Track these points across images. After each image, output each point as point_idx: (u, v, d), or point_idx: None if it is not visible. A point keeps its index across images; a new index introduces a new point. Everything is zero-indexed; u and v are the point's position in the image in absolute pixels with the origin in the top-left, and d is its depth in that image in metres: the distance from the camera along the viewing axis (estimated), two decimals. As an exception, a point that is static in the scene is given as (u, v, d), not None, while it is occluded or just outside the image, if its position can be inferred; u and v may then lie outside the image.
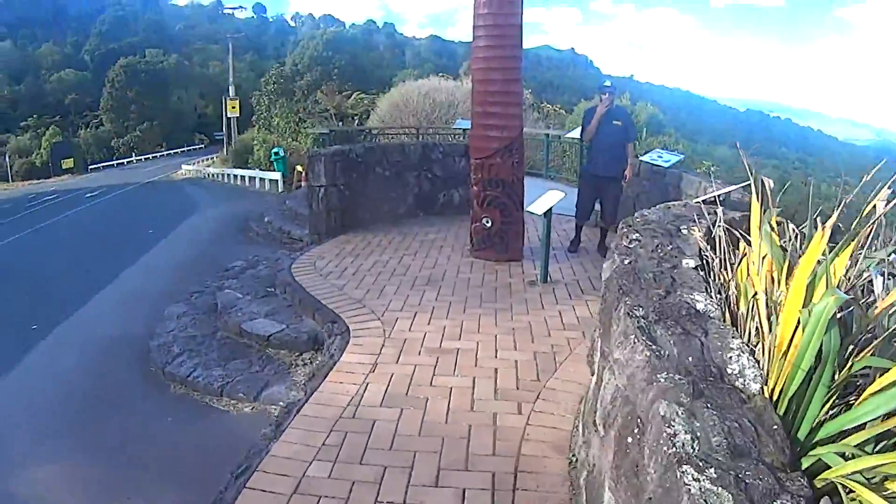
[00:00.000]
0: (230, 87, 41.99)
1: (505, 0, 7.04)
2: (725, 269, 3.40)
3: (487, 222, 7.57)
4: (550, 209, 6.65)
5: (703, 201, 5.31)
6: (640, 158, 8.89)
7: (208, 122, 75.89)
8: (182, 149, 69.36)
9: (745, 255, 3.41)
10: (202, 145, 71.24)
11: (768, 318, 2.47)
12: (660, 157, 8.72)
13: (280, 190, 23.93)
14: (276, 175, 24.68)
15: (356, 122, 24.06)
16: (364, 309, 6.21)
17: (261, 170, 27.51)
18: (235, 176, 30.58)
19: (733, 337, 2.50)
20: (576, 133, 14.61)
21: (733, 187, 5.04)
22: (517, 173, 7.51)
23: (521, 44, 7.34)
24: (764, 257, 2.77)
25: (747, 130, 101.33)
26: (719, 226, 3.34)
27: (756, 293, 2.64)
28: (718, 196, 5.34)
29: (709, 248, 3.61)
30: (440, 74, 26.80)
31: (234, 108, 39.72)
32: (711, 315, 2.65)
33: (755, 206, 3.39)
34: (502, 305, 6.22)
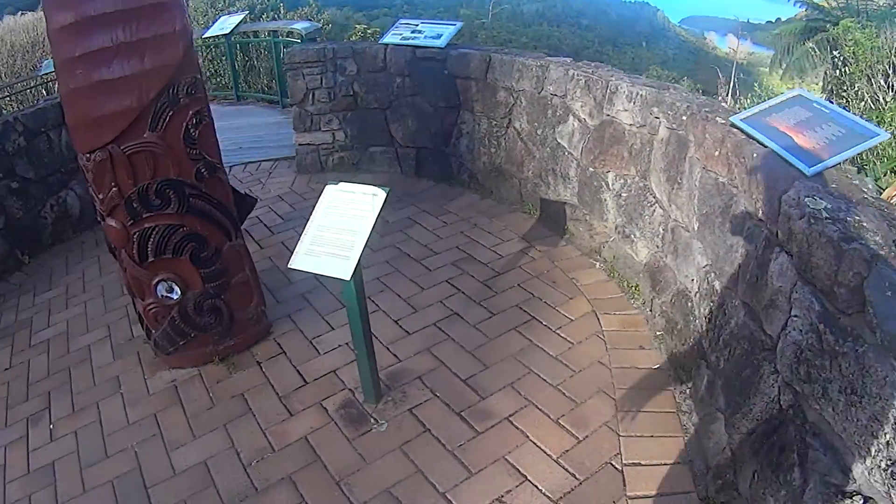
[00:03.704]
0: None
1: None
2: None
3: (171, 291, 3.03)
4: (359, 262, 2.38)
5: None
6: (382, 41, 4.89)
7: None
8: None
9: None
10: None
11: None
12: (417, 33, 4.83)
13: None
14: None
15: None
16: None
17: None
18: None
19: None
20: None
21: None
22: (208, 151, 2.81)
23: None
24: None
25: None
26: None
27: None
28: None
29: None
30: (19, 12, 17.55)
31: None
32: None
33: None
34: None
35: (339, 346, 3.18)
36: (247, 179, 5.30)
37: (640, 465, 2.45)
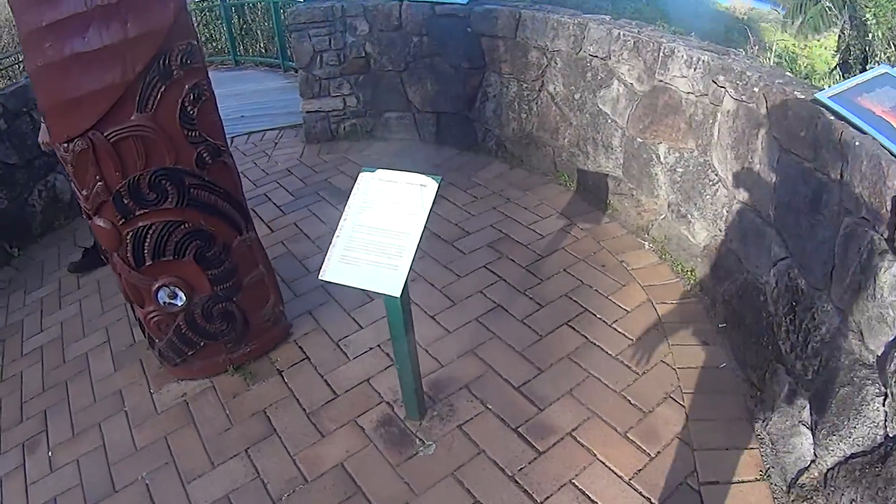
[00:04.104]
0: None
1: None
2: None
3: (174, 297, 2.54)
4: (406, 281, 1.87)
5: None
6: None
7: None
8: None
9: None
10: None
11: None
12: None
13: None
14: None
15: None
16: None
17: None
18: None
19: None
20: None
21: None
22: (210, 132, 2.27)
23: None
24: None
25: None
26: None
27: None
28: None
29: None
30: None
31: None
32: None
33: None
34: None
35: (371, 348, 2.75)
36: (250, 151, 4.76)
37: (717, 483, 2.08)
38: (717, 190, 2.77)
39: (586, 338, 2.71)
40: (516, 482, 2.15)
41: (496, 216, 3.61)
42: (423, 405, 2.37)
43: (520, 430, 2.33)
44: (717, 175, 2.76)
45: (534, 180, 3.93)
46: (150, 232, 2.23)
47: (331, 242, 1.93)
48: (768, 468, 2.10)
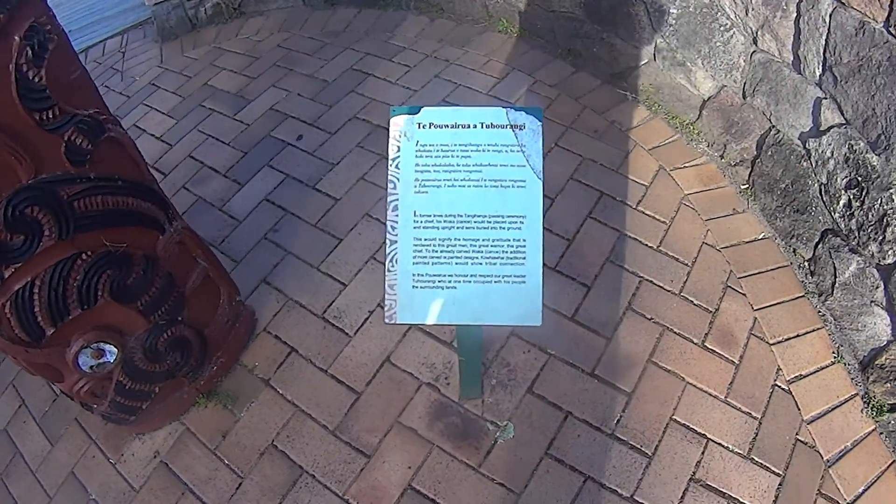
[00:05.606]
0: None
1: None
2: None
3: (102, 355, 1.58)
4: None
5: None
6: None
7: None
8: None
9: None
10: None
11: None
12: None
13: None
14: None
15: None
16: None
17: None
18: None
19: None
20: None
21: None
22: (75, 99, 1.19)
23: None
24: None
25: None
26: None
27: None
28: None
29: None
30: None
31: None
32: None
33: None
34: None
35: (371, 312, 2.04)
36: (95, 72, 3.24)
37: (801, 377, 1.87)
38: (732, 36, 2.16)
39: (618, 230, 2.20)
40: (618, 439, 1.75)
41: (445, 87, 2.75)
42: (481, 379, 1.81)
43: (597, 372, 1.88)
44: (728, 19, 2.14)
45: (466, 31, 3.04)
46: (36, 291, 1.25)
47: (386, 256, 1.12)
48: (838, 346, 1.91)
